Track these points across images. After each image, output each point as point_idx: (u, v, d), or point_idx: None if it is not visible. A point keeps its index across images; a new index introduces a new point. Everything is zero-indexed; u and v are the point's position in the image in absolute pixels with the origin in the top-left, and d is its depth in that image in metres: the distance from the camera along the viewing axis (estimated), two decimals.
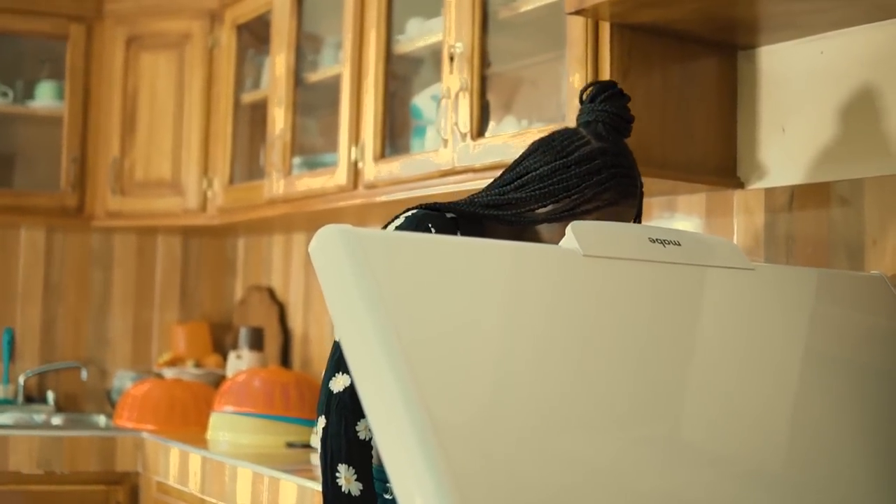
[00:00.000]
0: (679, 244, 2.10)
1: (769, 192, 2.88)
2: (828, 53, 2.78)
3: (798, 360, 2.19)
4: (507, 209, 2.31)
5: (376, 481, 2.23)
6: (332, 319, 1.84)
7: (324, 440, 2.20)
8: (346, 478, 2.16)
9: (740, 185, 2.95)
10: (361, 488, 2.17)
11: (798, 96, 2.85)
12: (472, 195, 2.37)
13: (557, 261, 1.94)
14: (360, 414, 2.18)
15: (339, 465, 2.17)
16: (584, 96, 2.42)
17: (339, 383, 2.20)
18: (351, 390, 2.18)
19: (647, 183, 2.86)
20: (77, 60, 4.82)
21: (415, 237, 1.85)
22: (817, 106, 2.80)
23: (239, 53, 4.61)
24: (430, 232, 2.25)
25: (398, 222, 2.29)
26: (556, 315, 1.89)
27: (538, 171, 2.29)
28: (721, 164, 2.95)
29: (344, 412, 2.18)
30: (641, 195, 2.38)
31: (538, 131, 2.89)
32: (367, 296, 1.64)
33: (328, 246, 1.71)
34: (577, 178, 2.27)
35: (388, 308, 1.64)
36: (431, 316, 1.71)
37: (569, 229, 1.98)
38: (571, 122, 2.76)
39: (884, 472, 2.15)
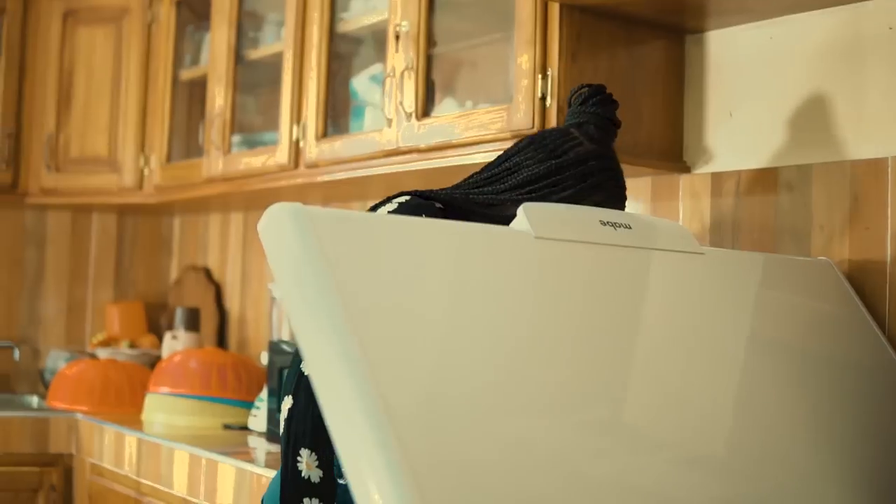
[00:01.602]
0: (630, 227, 2.10)
1: (716, 177, 2.88)
2: (777, 39, 2.77)
3: (745, 345, 2.19)
4: (500, 209, 2.29)
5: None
6: (282, 298, 1.80)
7: (288, 421, 2.13)
8: (308, 463, 2.11)
9: (687, 169, 2.94)
10: (321, 476, 2.11)
11: (746, 81, 2.84)
12: (462, 186, 2.34)
13: (509, 242, 1.93)
14: None
15: (302, 449, 2.11)
16: (574, 98, 2.42)
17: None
18: None
19: None
20: (13, 34, 4.73)
21: (366, 216, 1.83)
22: (765, 91, 2.80)
23: (178, 29, 4.54)
24: None
25: (390, 207, 2.24)
26: (507, 297, 1.88)
27: (532, 171, 2.28)
28: (667, 148, 2.94)
29: (311, 392, 2.10)
30: (625, 199, 2.38)
31: (484, 112, 2.88)
32: (317, 275, 1.62)
33: (278, 224, 1.69)
34: (571, 180, 2.27)
35: (339, 288, 1.62)
36: (382, 297, 1.69)
37: (520, 211, 1.97)
38: (519, 104, 2.75)
39: (827, 457, 2.15)
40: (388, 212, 2.24)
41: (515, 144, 2.35)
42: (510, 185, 2.29)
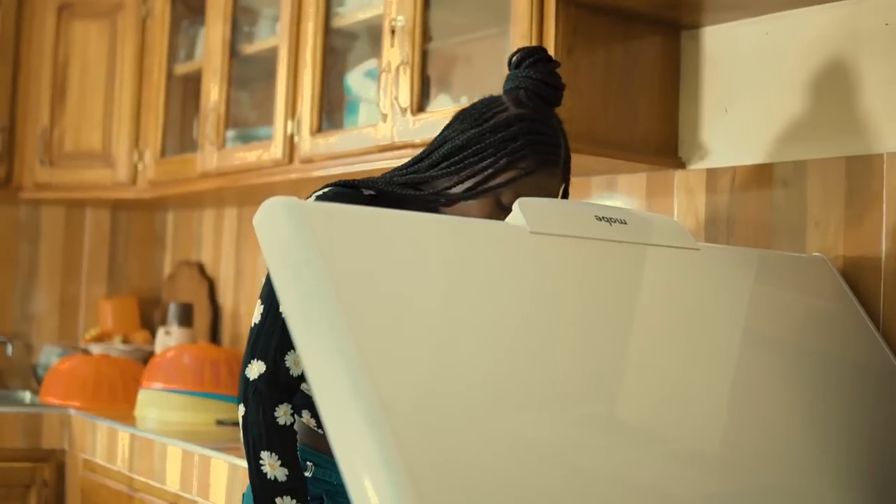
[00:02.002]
0: (625, 223, 2.09)
1: (710, 173, 2.87)
2: (773, 34, 2.77)
3: (740, 340, 2.19)
4: (429, 186, 2.26)
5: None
6: (276, 295, 1.79)
7: (244, 428, 2.17)
8: (270, 464, 2.14)
9: (681, 165, 2.94)
10: (287, 473, 2.14)
11: (742, 77, 2.84)
12: (393, 170, 2.31)
13: (504, 237, 1.92)
14: (277, 399, 2.15)
15: (262, 452, 2.14)
16: (510, 63, 2.34)
17: (254, 370, 2.16)
18: (266, 376, 2.15)
19: (588, 162, 2.85)
20: (7, 27, 4.72)
21: (361, 211, 1.82)
22: (761, 87, 2.79)
23: (173, 24, 4.53)
24: None
25: (309, 201, 2.21)
26: (501, 291, 1.87)
27: (454, 142, 2.23)
28: (662, 143, 2.94)
29: (260, 399, 2.15)
30: (567, 165, 2.30)
31: None
32: (312, 270, 1.62)
33: (273, 219, 1.68)
34: (492, 148, 2.20)
35: (334, 282, 1.62)
36: (377, 291, 1.69)
37: (516, 206, 1.96)
38: None
39: (821, 452, 2.15)
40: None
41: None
42: (434, 160, 2.25)
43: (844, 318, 2.43)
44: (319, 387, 1.56)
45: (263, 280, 2.21)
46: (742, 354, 2.17)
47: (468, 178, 2.21)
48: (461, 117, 2.28)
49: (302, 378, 2.18)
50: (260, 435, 2.15)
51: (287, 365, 2.17)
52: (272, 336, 2.17)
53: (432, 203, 2.24)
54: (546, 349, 1.86)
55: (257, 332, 2.18)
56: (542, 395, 1.81)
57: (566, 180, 2.32)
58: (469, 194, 2.20)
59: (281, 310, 2.15)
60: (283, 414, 2.16)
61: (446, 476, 1.57)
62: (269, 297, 2.18)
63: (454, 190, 2.23)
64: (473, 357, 1.75)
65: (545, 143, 2.23)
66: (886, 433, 2.30)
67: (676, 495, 1.89)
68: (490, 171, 2.19)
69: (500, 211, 2.19)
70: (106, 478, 3.86)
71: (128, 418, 3.93)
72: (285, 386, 2.17)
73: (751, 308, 2.26)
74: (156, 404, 3.97)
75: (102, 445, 3.88)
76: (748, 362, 2.16)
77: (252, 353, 2.17)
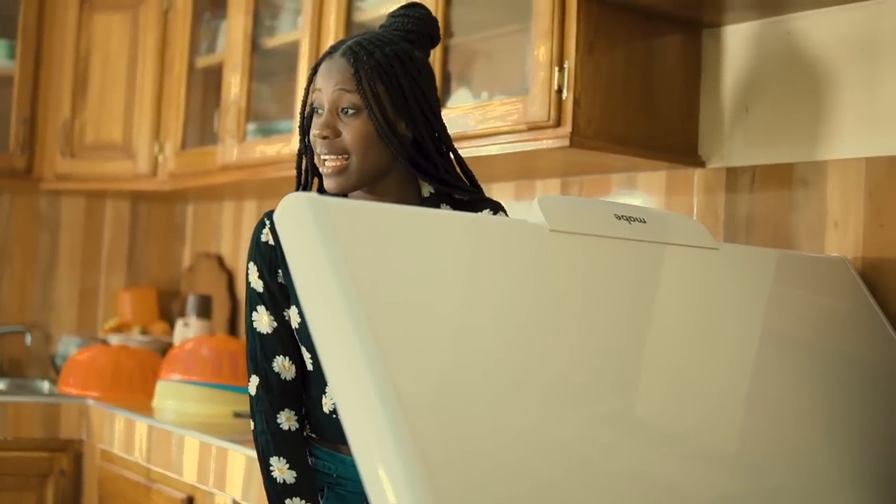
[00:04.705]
0: (644, 221, 2.09)
1: (730, 172, 2.87)
2: (794, 34, 2.76)
3: (758, 340, 2.19)
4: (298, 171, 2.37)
5: None
6: (296, 287, 1.80)
7: (255, 441, 2.28)
8: (279, 469, 2.23)
9: (701, 163, 2.93)
10: (296, 475, 2.23)
11: (763, 76, 2.83)
12: None
13: (524, 235, 1.93)
14: (277, 406, 2.25)
15: (271, 458, 2.24)
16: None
17: (252, 385, 2.28)
18: (261, 386, 2.25)
19: (608, 159, 2.86)
20: (29, 20, 4.73)
21: (381, 207, 1.83)
22: (782, 87, 2.79)
23: (194, 16, 4.53)
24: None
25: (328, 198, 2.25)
26: (520, 289, 1.88)
27: None
28: (683, 142, 2.94)
29: (262, 410, 2.26)
30: (373, 57, 2.18)
31: (500, 104, 2.87)
32: (333, 265, 1.62)
33: (294, 214, 1.69)
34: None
35: (354, 278, 1.63)
36: (397, 287, 1.70)
37: (535, 204, 1.96)
38: (535, 96, 2.74)
39: (837, 452, 2.15)
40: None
41: None
42: None
43: (863, 320, 2.43)
44: (337, 379, 1.58)
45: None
46: (759, 354, 2.17)
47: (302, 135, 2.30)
48: None
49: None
50: (267, 442, 2.25)
51: (276, 370, 2.26)
52: (256, 349, 2.28)
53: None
54: (564, 347, 1.87)
55: (248, 351, 2.30)
56: (559, 392, 1.82)
57: (389, 70, 2.21)
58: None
59: (246, 329, 2.25)
60: (285, 420, 2.25)
61: (461, 469, 1.59)
62: (248, 314, 2.29)
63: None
64: (491, 353, 1.76)
65: (323, 55, 2.26)
66: None
67: (693, 493, 1.89)
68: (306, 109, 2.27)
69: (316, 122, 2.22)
70: (123, 468, 3.87)
71: (145, 409, 3.94)
72: (280, 391, 2.26)
73: (769, 308, 2.26)
74: (174, 396, 3.98)
75: (120, 436, 3.89)
76: (765, 362, 2.16)
77: (249, 372, 2.29)
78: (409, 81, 2.21)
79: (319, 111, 2.20)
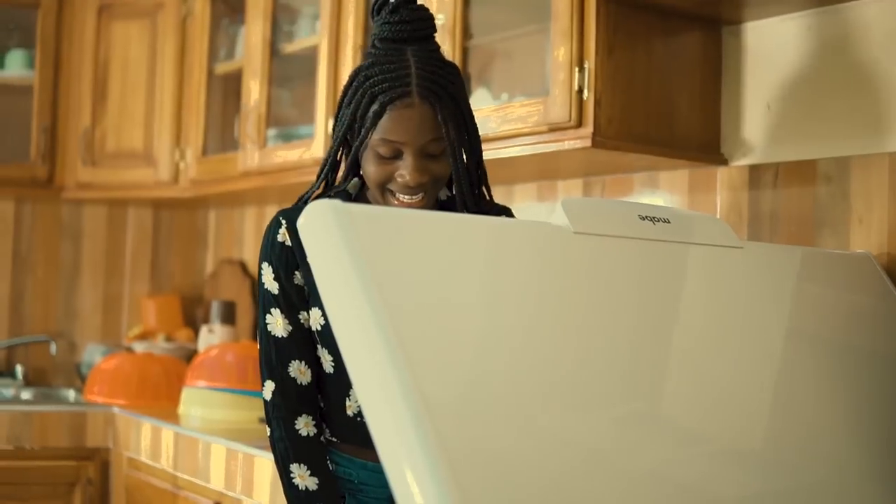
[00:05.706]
0: (668, 221, 2.09)
1: (753, 169, 2.86)
2: (815, 30, 2.75)
3: (784, 339, 2.19)
4: (322, 178, 2.32)
5: None
6: (321, 295, 1.80)
7: (273, 447, 2.24)
8: (300, 475, 2.20)
9: (724, 161, 2.93)
10: (318, 482, 2.21)
11: (784, 73, 2.82)
12: None
13: (547, 237, 1.93)
14: (294, 411, 2.23)
15: (291, 465, 2.21)
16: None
17: (267, 391, 2.24)
18: (278, 392, 2.22)
19: (630, 159, 2.85)
20: (48, 29, 4.75)
21: (405, 213, 1.83)
22: (803, 83, 2.78)
23: (213, 23, 4.54)
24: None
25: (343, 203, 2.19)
26: (545, 291, 1.88)
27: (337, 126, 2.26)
28: (705, 140, 2.93)
29: (279, 417, 2.23)
30: (447, 94, 2.16)
31: (520, 105, 2.87)
32: (357, 271, 1.63)
33: (319, 221, 1.69)
34: (341, 111, 2.22)
35: (378, 283, 1.63)
36: (421, 292, 1.70)
37: (559, 206, 1.96)
38: (556, 97, 2.74)
39: (865, 451, 2.14)
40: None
41: None
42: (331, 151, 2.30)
43: (889, 316, 2.42)
44: (363, 384, 1.58)
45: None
46: (786, 352, 2.16)
47: (339, 147, 2.25)
48: None
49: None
50: (286, 449, 2.22)
51: (292, 375, 2.24)
52: (271, 354, 2.24)
53: (340, 189, 2.30)
54: (589, 348, 1.87)
55: (262, 355, 2.26)
56: (584, 393, 1.82)
57: (459, 107, 2.20)
58: (347, 159, 2.24)
59: (258, 336, 2.23)
60: (303, 425, 2.23)
61: (487, 470, 1.60)
62: (262, 317, 2.26)
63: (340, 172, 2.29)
64: (515, 355, 1.77)
65: (383, 81, 2.14)
66: None
67: (718, 493, 1.89)
68: (343, 129, 2.21)
69: (388, 162, 2.16)
70: (150, 476, 3.87)
71: (172, 416, 3.95)
72: (297, 396, 2.24)
73: (795, 306, 2.25)
74: (200, 402, 3.99)
75: (146, 443, 3.90)
76: (792, 360, 2.16)
77: (263, 377, 2.25)
78: (470, 114, 2.22)
79: (399, 155, 2.15)
